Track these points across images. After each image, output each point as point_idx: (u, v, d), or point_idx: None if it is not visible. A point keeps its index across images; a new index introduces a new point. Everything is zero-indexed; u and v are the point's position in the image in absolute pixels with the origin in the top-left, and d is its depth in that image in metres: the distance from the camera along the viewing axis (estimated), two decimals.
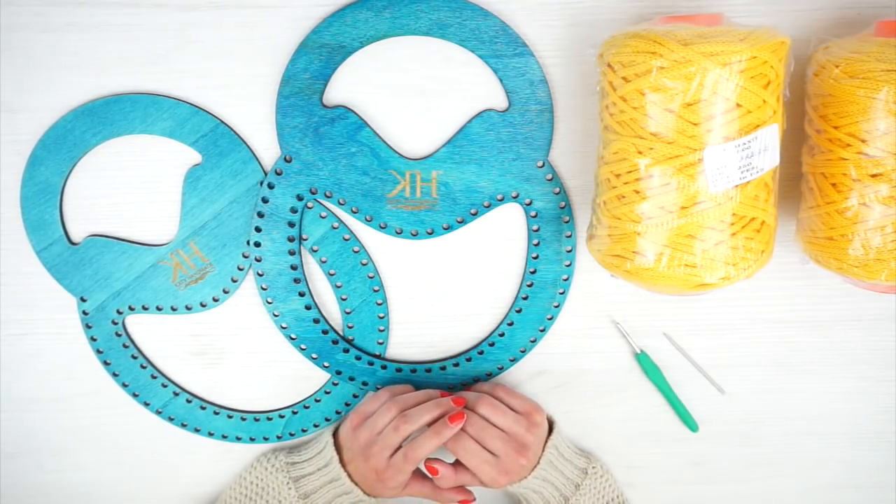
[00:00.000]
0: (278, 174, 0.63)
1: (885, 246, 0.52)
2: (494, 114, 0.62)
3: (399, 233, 0.64)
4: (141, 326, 0.67)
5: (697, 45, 0.49)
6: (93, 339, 0.67)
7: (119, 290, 0.65)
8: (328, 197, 0.63)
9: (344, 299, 0.66)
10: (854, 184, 0.52)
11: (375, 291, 0.66)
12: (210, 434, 0.69)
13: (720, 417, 0.69)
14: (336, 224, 0.64)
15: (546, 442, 0.63)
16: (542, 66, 0.61)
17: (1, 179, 0.64)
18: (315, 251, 0.65)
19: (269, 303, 0.65)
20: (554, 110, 0.62)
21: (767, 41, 0.50)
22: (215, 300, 0.66)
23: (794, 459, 0.70)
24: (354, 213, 0.64)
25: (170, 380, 0.68)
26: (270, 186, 0.63)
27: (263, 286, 0.65)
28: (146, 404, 0.68)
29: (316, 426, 0.69)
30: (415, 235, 0.64)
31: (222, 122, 0.63)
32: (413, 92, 0.62)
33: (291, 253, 0.64)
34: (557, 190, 0.63)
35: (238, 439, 0.69)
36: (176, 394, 0.68)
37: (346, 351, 0.66)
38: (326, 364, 0.67)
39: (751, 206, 0.52)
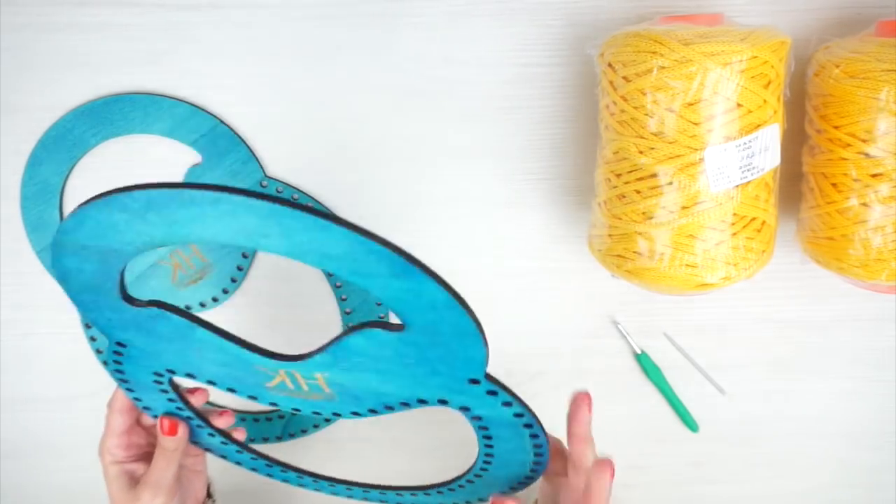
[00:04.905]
0: (117, 359, 0.48)
1: (886, 246, 0.52)
2: (380, 332, 0.41)
3: (297, 412, 0.49)
4: None
5: (698, 44, 0.49)
6: (92, 339, 0.67)
7: None
8: (192, 377, 0.48)
9: (343, 299, 0.66)
10: (854, 184, 0.52)
11: None
12: None
13: (720, 417, 0.69)
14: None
15: None
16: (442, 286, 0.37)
17: (1, 179, 0.64)
18: None
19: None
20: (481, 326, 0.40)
21: (768, 41, 0.51)
22: (215, 300, 0.66)
23: (794, 459, 0.70)
24: (232, 391, 0.48)
25: None
26: (119, 371, 0.50)
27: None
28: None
29: (316, 427, 0.69)
30: (319, 415, 0.48)
31: (221, 121, 0.62)
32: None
33: (181, 409, 0.53)
34: (508, 402, 0.45)
35: None
36: None
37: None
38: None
39: (751, 205, 0.52)
